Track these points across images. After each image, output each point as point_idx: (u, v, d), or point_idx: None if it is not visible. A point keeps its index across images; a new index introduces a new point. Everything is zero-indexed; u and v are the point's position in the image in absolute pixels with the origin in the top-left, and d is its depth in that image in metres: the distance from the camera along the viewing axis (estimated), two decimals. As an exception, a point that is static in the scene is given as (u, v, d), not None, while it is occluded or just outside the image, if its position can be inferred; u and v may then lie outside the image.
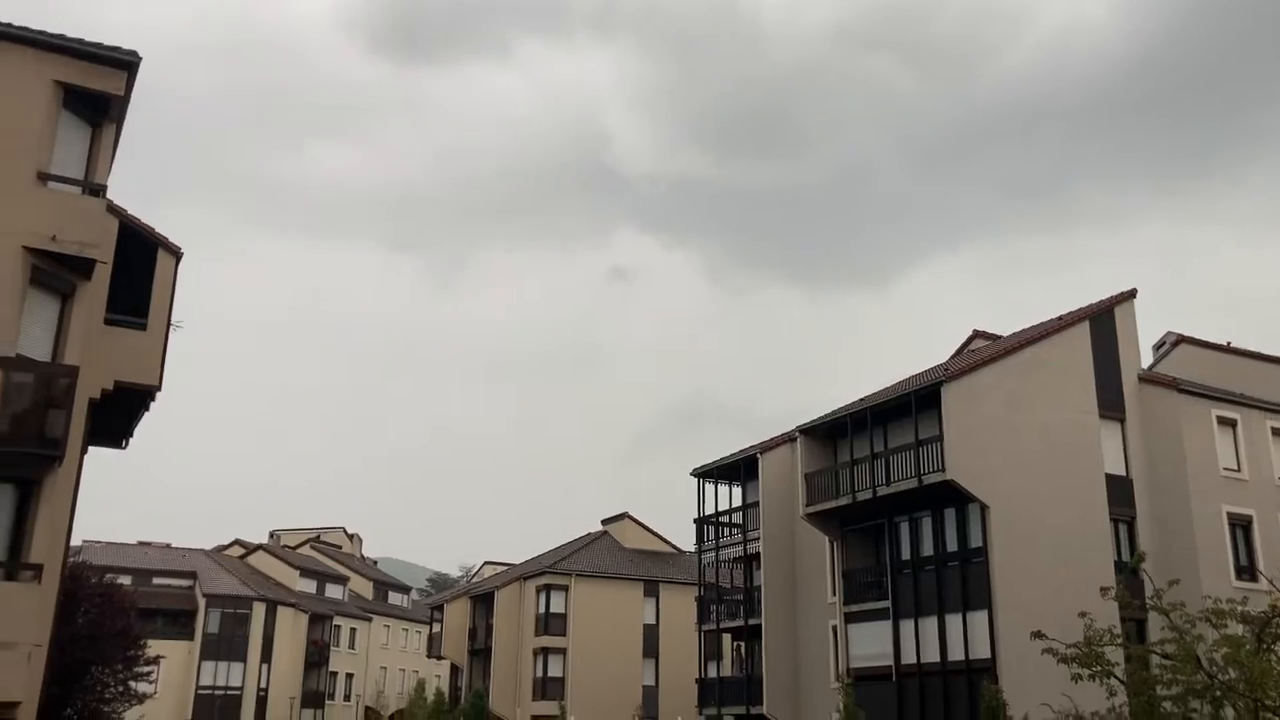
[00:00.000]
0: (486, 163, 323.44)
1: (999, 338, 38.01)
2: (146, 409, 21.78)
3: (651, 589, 58.69)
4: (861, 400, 35.79)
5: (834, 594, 36.03)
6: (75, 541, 23.00)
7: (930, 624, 31.65)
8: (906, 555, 33.22)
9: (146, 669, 31.92)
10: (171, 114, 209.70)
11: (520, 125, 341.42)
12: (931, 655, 31.43)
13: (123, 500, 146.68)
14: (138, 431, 23.00)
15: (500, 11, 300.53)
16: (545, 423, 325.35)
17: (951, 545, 31.87)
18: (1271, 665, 20.37)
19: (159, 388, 20.67)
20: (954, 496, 31.03)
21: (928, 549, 32.66)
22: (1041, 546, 30.16)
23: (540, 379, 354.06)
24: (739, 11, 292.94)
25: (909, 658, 32.09)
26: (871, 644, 33.56)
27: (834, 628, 36.08)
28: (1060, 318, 34.47)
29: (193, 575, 69.04)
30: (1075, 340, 33.38)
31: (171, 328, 21.00)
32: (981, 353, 35.70)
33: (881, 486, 32.63)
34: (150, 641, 34.26)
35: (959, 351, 39.29)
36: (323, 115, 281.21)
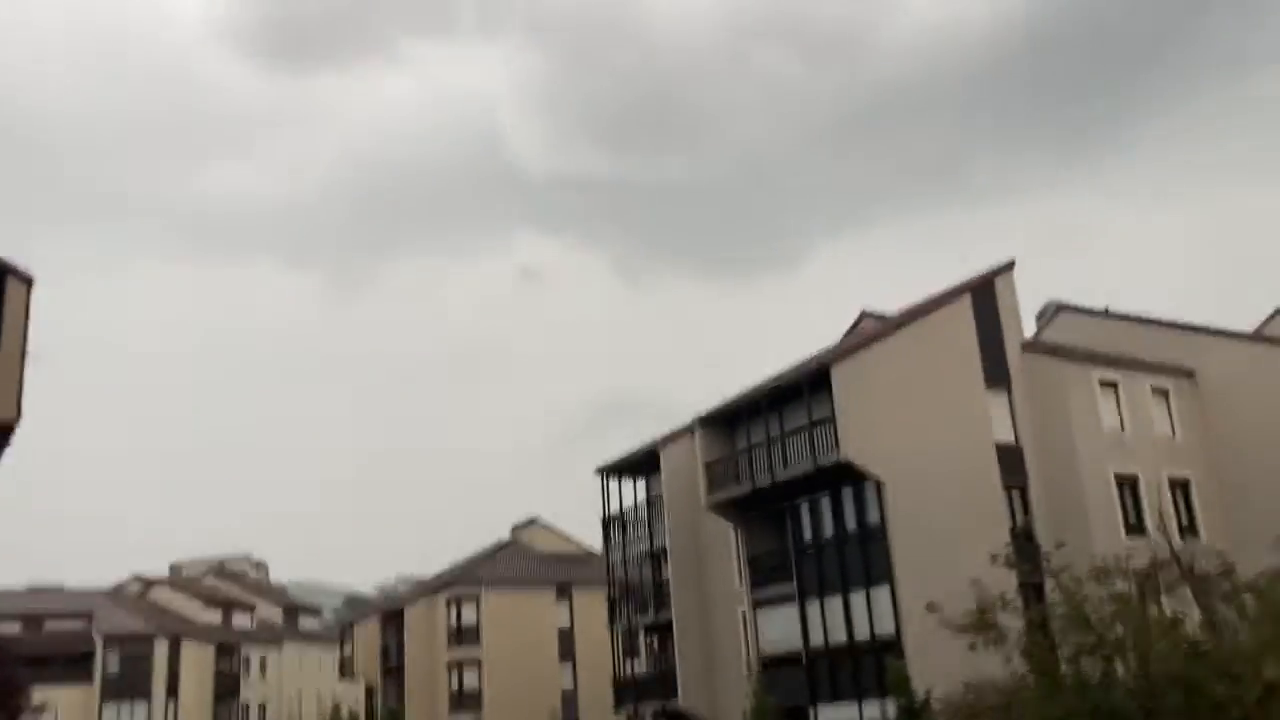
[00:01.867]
0: (382, 171, 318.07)
1: (886, 317, 38.46)
2: (7, 443, 20.78)
3: (564, 592, 58.29)
4: (756, 386, 35.85)
5: (740, 581, 36.05)
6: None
7: (835, 604, 31.80)
8: (809, 537, 33.29)
9: (33, 718, 30.48)
10: (39, 138, 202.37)
11: (414, 130, 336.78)
12: (839, 635, 31.58)
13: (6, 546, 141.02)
14: (19, 472, 21.98)
15: (382, 13, 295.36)
16: (457, 431, 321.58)
17: (851, 524, 32.03)
18: (1157, 616, 20.77)
19: (18, 420, 19.70)
20: (851, 476, 31.22)
21: (829, 530, 32.79)
22: (938, 519, 30.36)
23: (449, 388, 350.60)
24: (626, 1, 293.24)
25: (817, 639, 32.19)
26: (781, 628, 33.61)
27: (743, 615, 36.10)
28: (942, 293, 34.98)
29: (88, 616, 66.52)
30: (958, 314, 33.85)
31: (27, 358, 20.09)
32: (868, 331, 36.07)
33: (780, 471, 32.75)
34: (42, 688, 32.79)
35: (849, 332, 39.69)
36: (207, 131, 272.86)
